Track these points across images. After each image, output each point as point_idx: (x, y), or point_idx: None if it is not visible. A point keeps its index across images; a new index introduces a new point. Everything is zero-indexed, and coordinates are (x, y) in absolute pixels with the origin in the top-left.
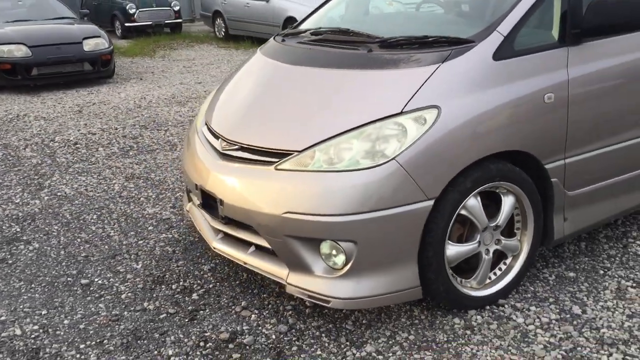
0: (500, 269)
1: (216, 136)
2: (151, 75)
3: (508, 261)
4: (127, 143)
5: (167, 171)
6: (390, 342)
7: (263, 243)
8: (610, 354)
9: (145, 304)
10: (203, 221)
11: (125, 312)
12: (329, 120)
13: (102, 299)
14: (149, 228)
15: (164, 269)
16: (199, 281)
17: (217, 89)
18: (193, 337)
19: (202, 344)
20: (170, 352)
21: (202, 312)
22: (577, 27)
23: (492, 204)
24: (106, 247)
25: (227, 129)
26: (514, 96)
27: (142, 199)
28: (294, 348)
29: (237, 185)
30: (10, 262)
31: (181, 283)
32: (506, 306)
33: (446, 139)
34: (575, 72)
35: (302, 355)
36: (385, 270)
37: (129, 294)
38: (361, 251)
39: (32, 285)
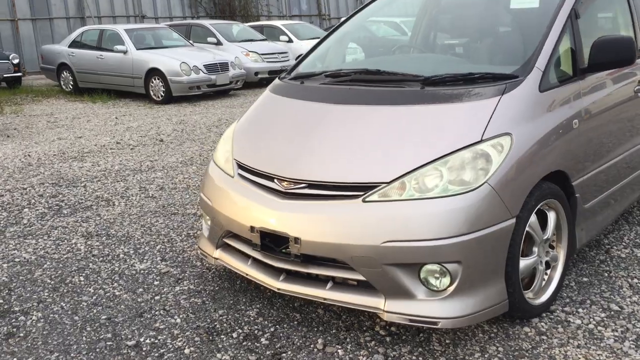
0: (543, 279)
1: (266, 177)
2: (17, 132)
3: (549, 272)
4: (51, 202)
5: (125, 226)
6: (486, 356)
7: (347, 276)
8: None
9: (220, 355)
10: (250, 265)
11: None
12: (410, 152)
13: (165, 357)
14: (155, 283)
15: (208, 320)
16: (256, 326)
17: (237, 133)
18: None
19: None
20: None
21: (284, 354)
22: (583, 64)
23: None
24: (122, 306)
25: (283, 168)
26: (555, 123)
27: (121, 255)
28: None
29: (319, 222)
30: (22, 334)
31: (239, 330)
32: (557, 312)
33: (519, 162)
34: (587, 101)
35: None
36: (482, 286)
37: (192, 349)
38: (465, 270)
39: (72, 355)
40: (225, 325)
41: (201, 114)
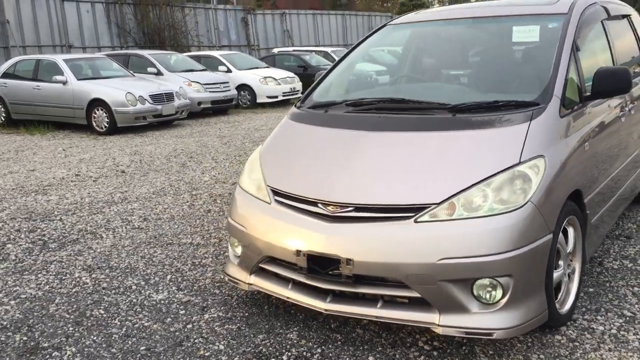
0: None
1: (308, 202)
2: None
3: (568, 283)
4: (33, 237)
5: (124, 258)
6: None
7: (399, 293)
8: None
9: None
10: (292, 288)
11: None
12: (454, 174)
13: None
14: (181, 312)
15: (252, 345)
16: (302, 348)
17: (265, 160)
18: None
19: None
20: None
21: None
22: (586, 92)
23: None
24: (157, 336)
25: (327, 193)
26: (572, 146)
27: (133, 287)
28: None
29: (372, 243)
30: None
31: (288, 353)
32: (580, 320)
33: (552, 182)
34: (592, 125)
35: None
36: (529, 298)
37: None
38: (516, 283)
39: None
40: (271, 349)
41: (153, 145)
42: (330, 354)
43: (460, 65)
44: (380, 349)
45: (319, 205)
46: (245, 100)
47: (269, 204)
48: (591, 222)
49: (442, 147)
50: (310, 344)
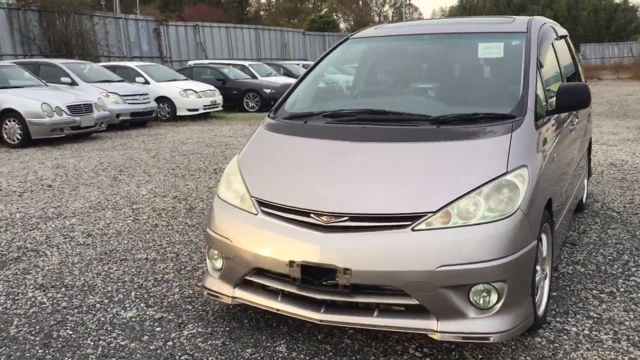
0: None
1: (299, 212)
2: None
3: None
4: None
5: (78, 275)
6: None
7: (397, 301)
8: None
9: None
10: (281, 300)
11: None
12: (446, 184)
13: None
14: (157, 330)
15: (241, 359)
16: None
17: (246, 172)
18: None
19: None
20: None
21: None
22: (551, 106)
23: None
24: (138, 355)
25: (320, 204)
26: (545, 156)
27: (97, 305)
28: None
29: (370, 252)
30: None
31: None
32: (553, 322)
33: (534, 191)
34: (554, 137)
35: None
36: (520, 302)
37: None
38: (509, 288)
39: None
40: None
41: (75, 158)
42: None
43: (431, 79)
44: (372, 357)
45: (312, 215)
46: (164, 113)
47: (256, 214)
48: (555, 230)
49: (431, 157)
50: (301, 356)
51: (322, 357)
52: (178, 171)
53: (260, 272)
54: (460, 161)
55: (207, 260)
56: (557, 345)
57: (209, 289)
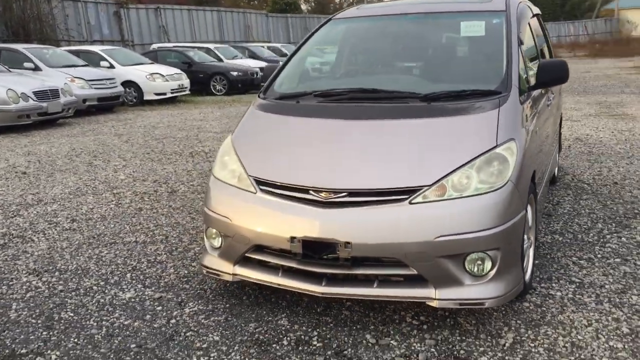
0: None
1: (298, 189)
2: None
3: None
4: None
5: (70, 259)
6: (513, 328)
7: (396, 272)
8: (629, 288)
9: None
10: (282, 275)
11: None
12: (439, 158)
13: None
14: (158, 309)
15: (247, 334)
16: (298, 332)
17: (242, 152)
18: None
19: None
20: None
21: (346, 352)
22: (531, 82)
23: None
24: (143, 334)
25: (319, 180)
26: (529, 130)
27: (94, 288)
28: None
29: (370, 225)
30: None
31: (287, 338)
32: (539, 288)
33: (522, 163)
34: (535, 112)
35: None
36: (511, 269)
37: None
38: (503, 255)
39: None
40: (267, 336)
41: (46, 144)
42: (328, 336)
43: (416, 57)
44: (372, 327)
45: (311, 192)
46: (131, 97)
47: (255, 193)
48: (537, 200)
49: (424, 133)
50: (304, 328)
51: (324, 328)
52: (154, 155)
53: (260, 248)
54: (452, 136)
55: (205, 239)
56: (544, 309)
57: (208, 267)
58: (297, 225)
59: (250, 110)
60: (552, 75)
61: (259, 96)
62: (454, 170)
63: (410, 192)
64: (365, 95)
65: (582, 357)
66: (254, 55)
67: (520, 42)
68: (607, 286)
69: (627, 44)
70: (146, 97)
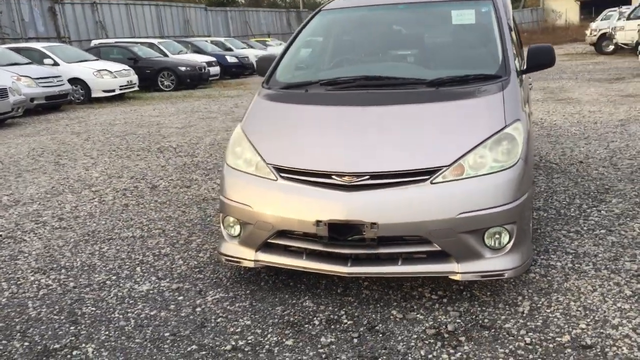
0: None
1: (321, 175)
2: None
3: None
4: None
5: (72, 257)
6: (527, 297)
7: (419, 249)
8: (621, 256)
9: (323, 340)
10: (307, 258)
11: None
12: (455, 139)
13: (274, 351)
14: (179, 299)
15: (276, 317)
16: (326, 312)
17: (256, 141)
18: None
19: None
20: (400, 347)
21: (377, 327)
22: (522, 66)
23: None
24: (173, 322)
25: (341, 165)
26: (526, 112)
27: (107, 282)
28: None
29: (394, 206)
30: None
31: (317, 319)
32: (539, 260)
33: (527, 141)
34: (527, 94)
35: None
36: (525, 241)
37: (291, 340)
38: (519, 228)
39: None
40: (297, 317)
41: (2, 145)
42: (356, 314)
43: (414, 45)
44: (395, 303)
45: (334, 177)
46: (78, 95)
47: (275, 180)
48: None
49: (436, 116)
50: (330, 308)
51: (349, 307)
52: (121, 152)
53: (283, 234)
54: (463, 119)
55: (222, 228)
56: (549, 278)
57: (226, 255)
58: (322, 209)
59: (257, 100)
60: (541, 59)
61: (262, 86)
62: (469, 151)
63: (430, 172)
64: (371, 83)
65: (597, 318)
66: (198, 50)
67: (510, 29)
68: (600, 255)
69: (553, 33)
70: (94, 95)
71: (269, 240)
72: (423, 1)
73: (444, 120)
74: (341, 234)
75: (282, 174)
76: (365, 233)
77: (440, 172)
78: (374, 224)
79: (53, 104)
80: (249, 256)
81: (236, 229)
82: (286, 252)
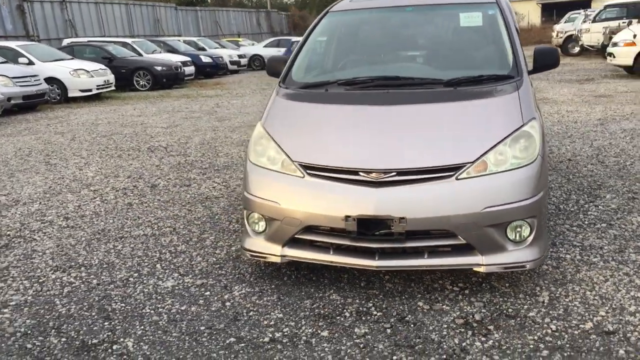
0: None
1: (348, 172)
2: None
3: None
4: None
5: (89, 254)
6: (544, 287)
7: (445, 243)
8: (625, 248)
9: (358, 330)
10: (334, 253)
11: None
12: (476, 137)
13: (312, 341)
14: (207, 294)
15: (306, 310)
16: (355, 305)
17: (280, 140)
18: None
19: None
20: (434, 337)
21: (407, 317)
22: (529, 67)
23: None
24: (206, 316)
25: (369, 162)
26: (539, 110)
27: (130, 279)
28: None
29: (422, 201)
30: (141, 359)
31: (347, 311)
32: (549, 253)
33: (543, 139)
34: (535, 94)
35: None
36: (543, 234)
37: (326, 332)
38: (539, 222)
39: None
40: (327, 310)
41: None
42: (384, 306)
43: (424, 47)
44: (420, 295)
45: (361, 173)
46: (54, 95)
47: (302, 177)
48: None
49: (457, 114)
50: (357, 301)
51: (376, 300)
52: (111, 152)
53: (310, 229)
54: (482, 117)
55: (246, 224)
56: (562, 270)
57: (252, 251)
58: (351, 205)
59: (276, 99)
60: (547, 61)
61: (280, 85)
62: (491, 148)
63: (454, 169)
64: (389, 83)
65: (614, 306)
66: (171, 50)
67: (517, 31)
68: (605, 247)
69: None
70: (71, 94)
71: (295, 236)
72: (429, 4)
73: (464, 118)
74: (369, 228)
75: (309, 171)
76: (394, 227)
77: (464, 168)
78: (403, 218)
79: (30, 104)
80: (276, 251)
81: (261, 225)
82: (313, 247)
